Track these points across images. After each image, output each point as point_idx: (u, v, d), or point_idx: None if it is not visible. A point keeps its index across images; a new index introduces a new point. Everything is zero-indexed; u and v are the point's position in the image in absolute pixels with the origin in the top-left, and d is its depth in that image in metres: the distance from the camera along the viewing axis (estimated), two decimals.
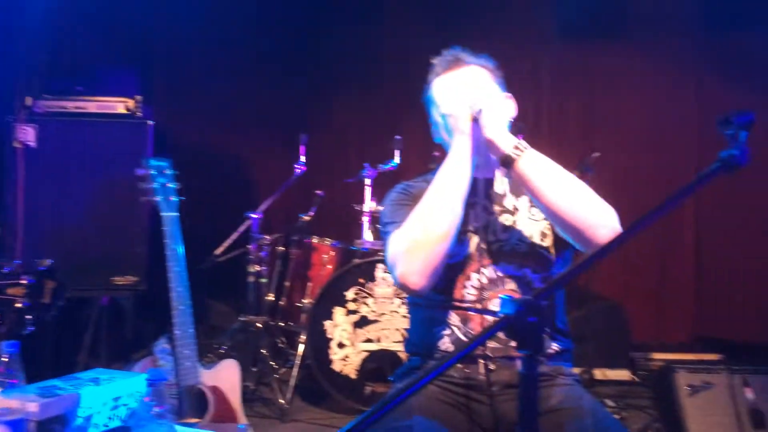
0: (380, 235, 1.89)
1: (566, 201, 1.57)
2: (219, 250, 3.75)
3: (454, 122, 1.65)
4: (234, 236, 3.77)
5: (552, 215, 1.63)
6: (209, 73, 4.95)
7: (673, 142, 4.88)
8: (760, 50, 4.71)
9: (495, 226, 1.77)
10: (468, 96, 1.65)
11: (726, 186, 4.79)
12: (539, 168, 1.59)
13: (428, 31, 4.56)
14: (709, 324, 4.85)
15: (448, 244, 1.62)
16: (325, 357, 3.44)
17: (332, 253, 3.83)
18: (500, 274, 1.73)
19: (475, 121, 1.62)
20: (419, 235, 1.61)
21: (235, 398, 2.38)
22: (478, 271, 1.72)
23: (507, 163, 1.60)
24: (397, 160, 3.78)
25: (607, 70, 4.98)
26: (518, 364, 1.64)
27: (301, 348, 3.65)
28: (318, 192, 4.04)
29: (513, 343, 1.52)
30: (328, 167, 4.75)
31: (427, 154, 3.65)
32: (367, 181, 3.80)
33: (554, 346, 1.75)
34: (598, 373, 4.09)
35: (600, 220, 1.57)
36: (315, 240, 3.88)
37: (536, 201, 1.63)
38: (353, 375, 3.43)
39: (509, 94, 1.85)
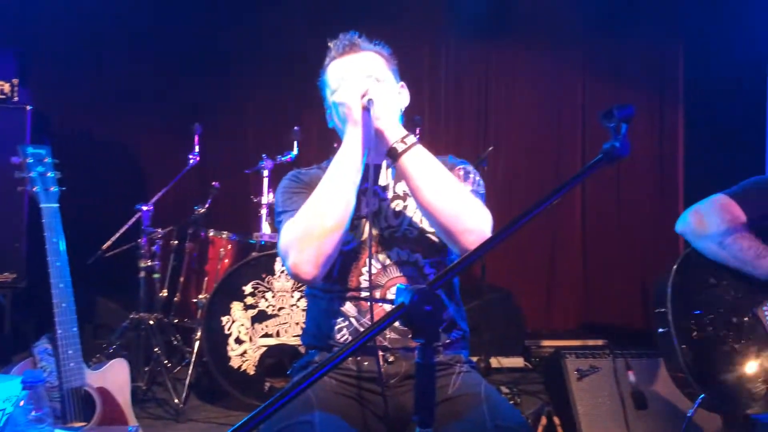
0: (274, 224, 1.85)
1: (440, 203, 1.59)
2: (107, 245, 3.56)
3: (347, 111, 1.63)
4: (123, 230, 3.59)
5: (425, 213, 1.66)
6: (98, 62, 4.71)
7: (562, 136, 5.11)
8: (636, 54, 5.04)
9: (387, 211, 1.78)
10: (360, 85, 1.64)
11: (609, 181, 5.10)
12: (421, 165, 1.61)
13: (326, 22, 4.53)
14: (595, 312, 5.12)
15: (340, 234, 1.61)
16: (223, 353, 3.34)
17: (229, 247, 3.73)
18: (393, 260, 1.74)
19: (367, 110, 1.61)
20: (311, 225, 1.60)
21: (124, 399, 2.27)
22: (371, 257, 1.72)
23: (392, 155, 1.62)
24: (295, 151, 3.73)
25: (502, 68, 5.14)
26: (416, 354, 1.67)
27: (196, 345, 3.53)
28: (214, 183, 3.92)
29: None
30: (224, 158, 4.63)
31: (326, 145, 3.64)
32: (265, 173, 3.72)
33: (453, 334, 1.77)
34: (494, 361, 4.21)
35: (469, 226, 1.59)
36: (211, 233, 3.77)
37: (413, 196, 1.65)
38: (251, 371, 3.36)
39: (403, 83, 1.85)
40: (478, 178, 1.83)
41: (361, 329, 1.70)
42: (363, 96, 1.62)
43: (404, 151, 1.60)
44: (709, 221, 2.10)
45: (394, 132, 1.62)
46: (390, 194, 1.81)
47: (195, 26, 4.80)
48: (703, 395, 2.03)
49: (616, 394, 2.97)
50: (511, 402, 3.53)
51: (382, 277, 1.73)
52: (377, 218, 1.77)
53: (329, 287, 1.75)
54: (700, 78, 4.96)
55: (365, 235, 1.73)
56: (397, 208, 1.79)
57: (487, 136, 4.99)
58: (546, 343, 4.57)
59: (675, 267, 2.15)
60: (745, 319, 2.07)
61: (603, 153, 1.17)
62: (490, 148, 4.18)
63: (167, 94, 4.75)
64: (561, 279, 5.18)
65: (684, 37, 5.06)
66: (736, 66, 4.68)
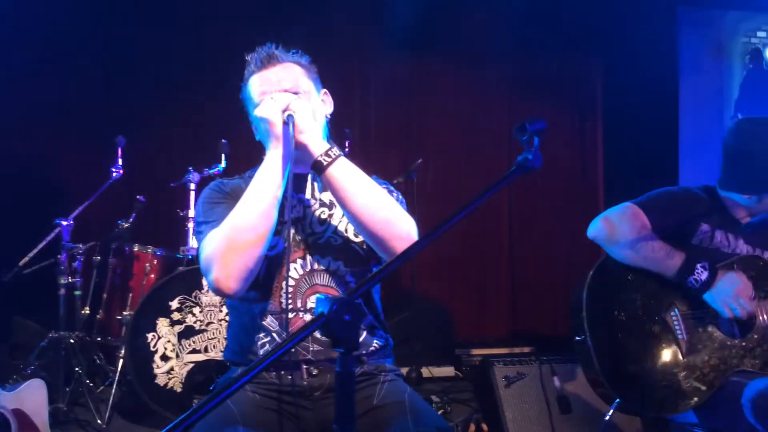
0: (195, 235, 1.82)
1: (367, 212, 1.62)
2: (24, 261, 3.41)
3: (268, 128, 1.63)
4: (41, 245, 3.45)
5: (354, 223, 1.68)
6: (18, 71, 4.52)
7: (488, 148, 5.23)
8: (557, 70, 5.24)
9: (311, 218, 1.78)
10: (280, 101, 1.64)
11: (535, 192, 5.25)
12: (346, 177, 1.62)
13: (254, 33, 4.49)
14: (523, 320, 5.25)
15: (262, 247, 1.61)
16: (148, 371, 3.25)
17: (155, 262, 3.64)
18: (315, 267, 1.74)
19: (287, 125, 1.62)
20: (234, 239, 1.59)
21: (41, 421, 2.19)
22: (294, 264, 1.73)
23: (317, 168, 1.63)
24: (223, 164, 3.69)
25: (430, 82, 5.23)
26: (336, 363, 1.67)
27: (120, 363, 3.43)
28: (139, 197, 3.82)
29: None
30: (150, 171, 4.52)
31: (255, 158, 3.60)
32: (192, 186, 3.66)
33: (375, 344, 1.78)
34: (426, 371, 4.25)
35: (398, 232, 1.62)
36: (136, 248, 3.67)
37: (341, 206, 1.67)
38: (179, 388, 3.28)
39: (326, 91, 1.86)
40: (401, 197, 1.85)
41: (279, 338, 1.69)
42: (284, 111, 1.63)
43: (329, 164, 1.61)
44: (619, 228, 2.19)
45: (318, 145, 1.63)
46: (315, 202, 1.81)
47: (119, 36, 4.69)
48: (618, 399, 2.11)
49: (542, 399, 3.06)
50: (441, 411, 3.58)
51: (303, 285, 1.73)
52: (301, 225, 1.77)
53: (250, 299, 1.73)
54: (618, 93, 5.18)
55: (288, 240, 1.72)
56: (322, 216, 1.79)
57: (415, 149, 5.06)
58: (476, 351, 4.64)
59: (590, 274, 2.23)
60: (656, 324, 2.17)
61: (516, 165, 1.22)
62: (419, 161, 4.25)
63: (90, 105, 4.61)
64: (490, 288, 5.28)
65: (602, 55, 5.29)
66: (651, 81, 4.92)
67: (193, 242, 3.64)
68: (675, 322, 2.16)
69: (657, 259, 2.14)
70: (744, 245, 2.26)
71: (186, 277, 3.34)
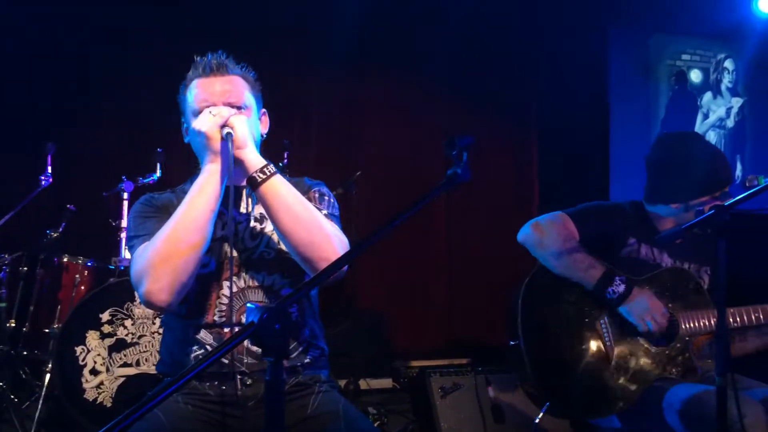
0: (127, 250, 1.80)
1: (297, 232, 1.61)
2: None
3: (206, 142, 1.62)
4: None
5: (283, 240, 1.68)
6: None
7: (427, 161, 5.30)
8: (495, 87, 5.38)
9: (243, 234, 1.77)
10: (220, 115, 1.64)
11: (472, 204, 5.35)
12: (279, 195, 1.62)
13: (191, 42, 4.45)
14: (461, 331, 5.31)
15: (196, 261, 1.61)
16: (77, 386, 3.15)
17: (85, 273, 3.55)
18: (250, 283, 1.74)
19: (225, 141, 1.61)
20: (167, 251, 1.58)
21: None
22: (228, 280, 1.71)
23: (252, 184, 1.64)
24: (158, 173, 3.62)
25: (372, 94, 5.27)
26: (266, 372, 1.67)
27: (47, 378, 3.31)
28: (69, 206, 3.71)
29: None
30: (81, 180, 4.39)
31: (192, 167, 3.55)
32: (125, 195, 3.59)
33: (311, 354, 1.78)
34: (363, 383, 4.25)
35: (325, 254, 1.61)
36: (65, 258, 3.57)
37: (272, 223, 1.67)
38: (109, 403, 3.19)
39: (264, 111, 1.87)
40: (332, 200, 1.86)
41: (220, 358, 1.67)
42: (223, 127, 1.62)
43: (263, 181, 1.62)
44: (548, 234, 2.27)
45: (254, 161, 1.64)
46: (247, 216, 1.80)
47: (48, 41, 4.55)
48: (548, 403, 2.18)
49: (476, 408, 3.11)
50: (378, 423, 3.59)
51: (238, 302, 1.72)
52: (234, 240, 1.76)
53: (184, 314, 1.71)
54: (553, 109, 5.34)
55: (221, 257, 1.72)
56: (255, 231, 1.79)
57: (354, 162, 5.09)
58: (414, 363, 4.67)
59: (526, 281, 2.30)
60: (586, 331, 2.25)
61: (446, 179, 1.26)
62: (358, 173, 4.28)
63: (18, 111, 4.45)
64: (428, 300, 5.33)
65: (538, 72, 5.44)
66: (583, 99, 5.10)
67: (126, 253, 3.56)
68: (604, 330, 2.23)
69: (578, 270, 2.22)
70: (668, 258, 2.37)
71: (118, 288, 3.26)
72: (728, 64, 5.61)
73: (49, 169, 3.56)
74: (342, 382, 4.13)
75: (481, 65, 5.32)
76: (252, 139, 1.67)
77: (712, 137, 5.52)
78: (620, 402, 2.16)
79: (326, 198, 1.85)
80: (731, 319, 2.24)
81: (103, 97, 4.64)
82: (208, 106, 1.70)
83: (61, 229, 3.68)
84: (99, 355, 3.20)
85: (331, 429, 1.62)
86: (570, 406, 2.18)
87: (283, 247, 1.76)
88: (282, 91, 4.94)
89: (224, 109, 1.67)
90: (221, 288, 1.71)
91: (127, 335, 3.24)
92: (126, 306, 3.25)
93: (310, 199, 1.79)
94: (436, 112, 5.38)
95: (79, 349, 3.17)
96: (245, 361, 1.67)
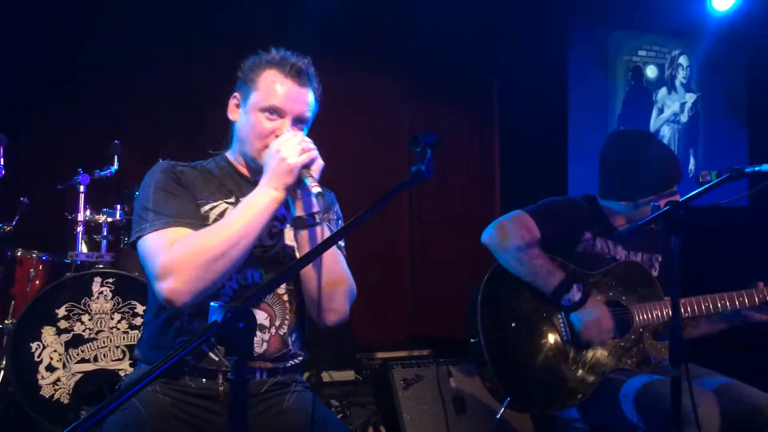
0: (132, 216, 1.72)
1: (318, 282, 1.64)
2: None
3: (282, 168, 1.58)
4: None
5: (303, 279, 1.70)
6: None
7: (390, 157, 5.31)
8: (457, 83, 5.40)
9: (263, 230, 1.71)
10: (308, 154, 1.61)
11: (435, 199, 5.38)
12: (315, 243, 1.63)
13: (155, 31, 4.38)
14: (423, 323, 5.35)
15: (227, 276, 1.60)
16: (32, 382, 3.09)
17: (40, 267, 3.48)
18: (255, 279, 1.72)
19: (302, 183, 1.59)
20: (207, 263, 1.53)
21: None
22: (236, 274, 1.68)
23: (297, 224, 1.65)
24: (116, 165, 3.55)
25: (336, 86, 5.21)
26: (257, 375, 1.70)
27: (1, 374, 3.24)
28: (22, 199, 3.62)
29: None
30: (35, 172, 4.28)
31: (149, 160, 3.49)
32: (81, 188, 3.51)
33: (298, 359, 1.82)
34: (326, 376, 4.25)
35: (335, 306, 1.70)
36: (19, 252, 3.49)
37: (299, 262, 1.66)
38: (66, 400, 3.14)
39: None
40: (341, 222, 1.92)
41: (206, 349, 1.65)
42: (303, 166, 1.59)
43: (308, 226, 1.64)
44: (510, 235, 2.30)
45: (308, 204, 1.65)
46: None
47: (1, 29, 4.41)
48: (509, 398, 2.21)
49: (438, 399, 3.15)
50: (341, 415, 3.60)
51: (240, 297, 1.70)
52: None
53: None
54: (514, 104, 5.39)
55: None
56: (274, 230, 1.77)
57: (319, 152, 5.06)
58: (377, 355, 4.68)
59: (485, 278, 2.33)
60: (544, 326, 2.29)
61: (410, 175, 1.27)
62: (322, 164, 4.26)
63: None
64: (390, 293, 5.34)
65: (498, 67, 5.49)
66: (542, 94, 5.17)
67: (83, 247, 3.49)
68: (561, 324, 2.28)
69: (538, 276, 2.26)
70: (622, 251, 2.43)
71: (74, 283, 3.19)
72: (683, 60, 5.74)
73: (1, 160, 3.47)
74: (305, 375, 4.12)
75: (444, 58, 5.34)
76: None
77: (666, 132, 5.66)
78: (578, 394, 2.22)
79: (340, 222, 1.91)
80: (683, 310, 2.31)
81: (57, 86, 4.52)
82: (279, 110, 1.69)
83: (14, 223, 3.59)
84: (55, 351, 3.14)
85: (303, 426, 1.66)
86: (530, 400, 2.22)
87: (297, 254, 1.75)
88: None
89: (310, 142, 1.65)
90: (229, 280, 1.68)
91: (84, 331, 3.18)
92: (83, 301, 3.18)
93: (329, 220, 1.83)
94: (399, 104, 5.39)
95: (34, 345, 3.11)
96: (227, 360, 1.67)
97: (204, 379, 1.66)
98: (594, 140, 5.24)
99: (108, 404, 0.95)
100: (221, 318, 1.05)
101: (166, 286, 1.53)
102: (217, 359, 1.64)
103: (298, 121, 1.73)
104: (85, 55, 4.49)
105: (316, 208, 1.64)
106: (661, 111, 5.68)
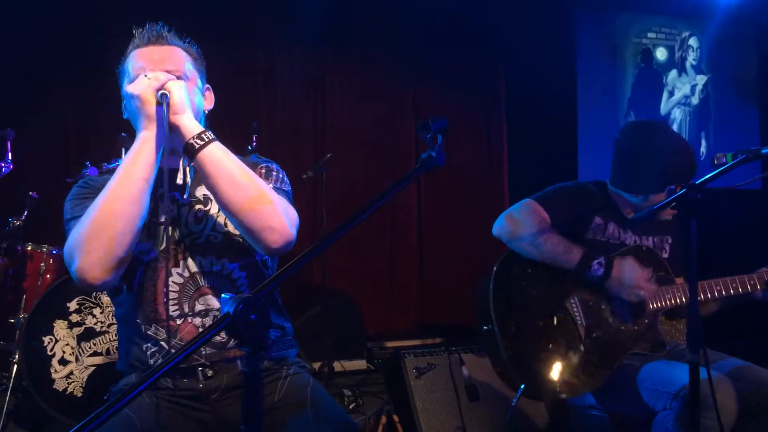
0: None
1: (239, 201, 1.53)
2: None
3: (140, 105, 1.52)
4: None
5: (225, 213, 1.60)
6: None
7: (396, 144, 5.29)
8: (462, 68, 5.38)
9: (187, 217, 1.69)
10: (156, 79, 1.55)
11: (443, 187, 5.35)
12: (219, 162, 1.53)
13: (153, 20, 4.35)
14: (433, 312, 5.34)
15: (132, 235, 1.51)
16: (45, 376, 3.11)
17: (51, 261, 3.47)
18: (197, 269, 1.66)
19: (161, 105, 1.52)
20: (100, 225, 1.48)
21: None
22: (175, 267, 1.64)
23: (189, 151, 1.54)
24: (123, 158, 3.53)
25: (338, 77, 5.22)
26: (238, 364, 1.63)
27: (14, 369, 3.24)
28: (31, 193, 3.61)
29: (230, 344, 1.50)
30: (44, 166, 4.29)
31: None
32: None
33: (273, 334, 1.73)
34: (338, 365, 4.25)
35: (270, 223, 1.53)
36: (29, 247, 3.48)
37: (212, 195, 1.59)
38: (79, 393, 3.15)
39: (209, 86, 1.79)
40: (281, 175, 1.78)
41: (173, 351, 1.60)
42: (158, 90, 1.53)
43: (200, 147, 1.52)
44: (521, 224, 2.28)
45: (191, 127, 1.54)
46: (190, 199, 1.71)
47: (7, 23, 4.40)
48: (523, 385, 2.20)
49: (451, 388, 3.13)
50: (353, 405, 3.59)
51: (189, 288, 1.66)
52: (177, 225, 1.67)
53: (131, 308, 1.66)
54: (521, 91, 5.35)
55: (164, 243, 1.65)
56: (199, 214, 1.70)
57: (324, 144, 5.05)
58: (388, 344, 4.68)
59: (496, 266, 2.31)
60: (557, 311, 2.27)
61: (420, 162, 1.24)
62: (328, 155, 4.24)
63: None
64: (400, 282, 5.34)
65: (505, 54, 5.44)
66: (551, 80, 5.12)
67: None
68: (575, 309, 2.26)
69: (556, 255, 2.24)
70: (632, 235, 2.41)
71: None
72: (693, 41, 5.68)
73: (10, 155, 3.46)
74: (316, 365, 4.12)
75: (448, 45, 5.30)
76: (191, 106, 1.58)
77: (677, 115, 5.60)
78: (593, 379, 2.20)
79: (274, 173, 1.76)
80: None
81: (64, 80, 4.52)
82: (141, 72, 1.61)
83: (23, 217, 3.59)
84: (68, 344, 3.14)
85: (299, 417, 1.58)
86: (545, 387, 2.20)
87: (230, 228, 1.69)
88: (248, 74, 4.87)
89: (161, 73, 1.57)
90: (170, 275, 1.64)
91: (95, 324, 3.19)
92: (94, 294, 3.19)
93: (258, 176, 1.69)
94: (403, 93, 5.36)
95: (46, 339, 3.12)
96: (204, 352, 1.63)
97: (184, 379, 1.63)
98: (604, 124, 5.20)
99: (99, 416, 0.93)
100: (233, 310, 1.04)
101: (73, 269, 1.50)
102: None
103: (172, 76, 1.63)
104: (92, 47, 4.48)
105: (198, 129, 1.54)
106: (671, 93, 5.62)
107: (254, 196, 1.54)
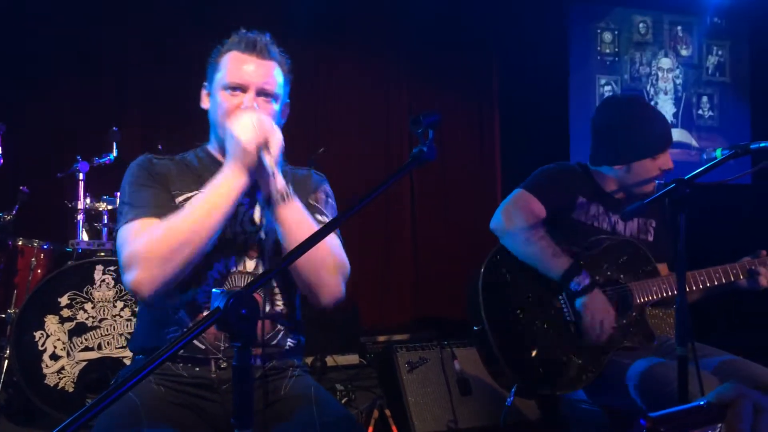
0: (115, 213, 1.72)
1: (304, 261, 1.56)
2: None
3: (241, 152, 1.56)
4: None
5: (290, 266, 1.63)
6: None
7: (390, 139, 5.29)
8: (455, 62, 5.38)
9: (242, 217, 1.71)
10: (262, 130, 1.57)
11: (437, 180, 5.36)
12: (296, 218, 1.60)
13: (151, 16, 4.34)
14: (427, 306, 5.36)
15: (195, 264, 1.56)
16: (37, 371, 3.09)
17: (42, 256, 3.46)
18: (239, 268, 1.68)
19: (261, 161, 1.56)
20: (171, 251, 1.51)
21: None
22: (219, 262, 1.66)
23: (273, 203, 1.59)
24: (114, 153, 3.53)
25: (332, 72, 5.21)
26: (234, 357, 1.65)
27: (5, 364, 3.25)
28: (22, 188, 3.60)
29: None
30: (34, 161, 4.27)
31: (147, 147, 3.48)
32: (81, 176, 3.49)
33: (289, 343, 1.77)
34: (330, 360, 4.26)
35: (327, 281, 1.63)
36: (20, 242, 3.47)
37: (281, 242, 1.64)
38: (71, 388, 3.14)
39: (288, 102, 1.81)
40: (332, 201, 1.85)
41: (195, 340, 1.63)
42: (260, 144, 1.56)
43: (285, 202, 1.59)
44: (515, 218, 2.28)
45: (279, 182, 1.60)
46: (249, 198, 1.73)
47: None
48: (516, 384, 2.20)
49: (443, 382, 3.14)
50: (346, 399, 3.60)
51: (226, 286, 1.68)
52: (232, 222, 1.68)
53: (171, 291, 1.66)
54: (514, 83, 5.36)
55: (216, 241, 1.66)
56: (255, 215, 1.73)
57: (318, 138, 5.04)
58: (381, 338, 4.70)
59: (484, 264, 2.29)
60: (547, 308, 2.27)
61: (412, 157, 1.25)
62: (322, 149, 4.24)
63: None
64: (393, 276, 5.35)
65: (498, 47, 5.45)
66: (543, 72, 5.13)
67: (84, 235, 3.48)
68: (564, 306, 2.27)
69: (544, 257, 2.23)
70: (613, 215, 2.41)
71: (76, 271, 3.18)
72: (684, 34, 5.70)
73: (0, 149, 3.45)
74: (309, 359, 4.13)
75: (441, 39, 5.30)
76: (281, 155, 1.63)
77: (667, 107, 5.62)
78: (584, 375, 2.20)
79: (330, 201, 1.83)
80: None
81: (54, 74, 4.49)
82: (240, 85, 1.66)
83: (14, 212, 3.58)
84: (59, 339, 3.13)
85: (304, 411, 1.61)
86: (538, 384, 2.21)
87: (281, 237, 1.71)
88: None
89: (266, 117, 1.60)
90: (210, 269, 1.66)
91: (87, 319, 3.18)
92: (85, 289, 3.18)
93: (317, 201, 1.79)
94: (397, 87, 5.36)
95: (37, 334, 3.11)
96: (221, 347, 1.64)
97: (197, 368, 1.64)
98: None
99: (104, 398, 0.94)
100: (224, 304, 1.04)
101: (129, 278, 1.53)
102: (203, 347, 1.62)
103: (263, 94, 1.69)
104: (82, 41, 4.47)
105: (279, 186, 1.59)
106: (665, 91, 5.65)
107: (317, 259, 1.60)
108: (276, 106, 1.71)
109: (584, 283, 2.19)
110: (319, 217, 1.75)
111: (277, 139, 1.59)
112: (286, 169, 1.80)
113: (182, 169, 1.74)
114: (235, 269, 1.68)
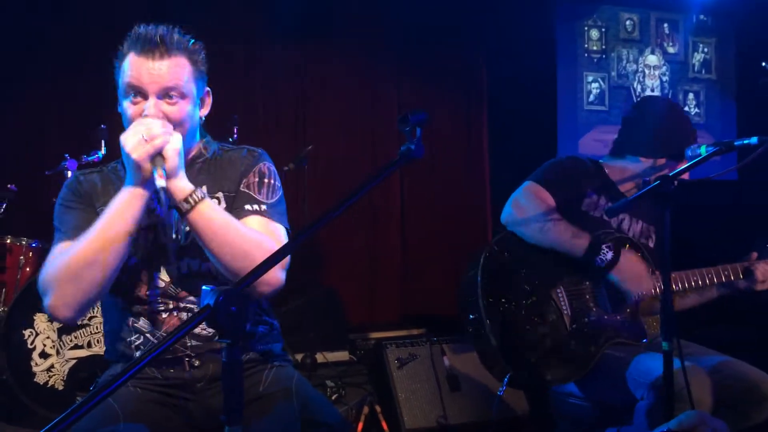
0: None
1: (229, 260, 1.54)
2: None
3: (134, 167, 1.50)
4: None
5: (216, 264, 1.59)
6: None
7: (378, 136, 5.29)
8: (444, 59, 5.38)
9: (170, 220, 1.68)
10: (152, 143, 1.48)
11: (425, 177, 5.37)
12: (207, 222, 1.53)
13: (132, 11, 4.31)
14: (416, 303, 5.37)
15: (107, 282, 1.53)
16: (25, 369, 3.10)
17: (30, 254, 3.46)
18: (183, 271, 1.67)
19: (155, 170, 1.49)
20: (78, 272, 1.50)
21: None
22: (159, 270, 1.65)
23: (179, 211, 1.55)
24: (103, 150, 3.52)
25: (320, 69, 5.21)
26: (223, 354, 1.66)
27: None
28: (10, 186, 3.59)
29: (217, 337, 1.52)
30: (22, 159, 4.24)
31: None
32: (69, 174, 3.48)
33: (262, 329, 1.76)
34: (320, 357, 4.27)
35: (262, 278, 1.50)
36: (8, 240, 3.47)
37: (203, 247, 1.58)
38: (60, 386, 3.14)
39: (208, 90, 1.75)
40: (273, 180, 1.74)
41: (156, 342, 1.64)
42: (153, 155, 1.49)
43: (188, 210, 1.53)
44: (527, 208, 2.28)
45: (181, 190, 1.53)
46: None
47: None
48: (509, 374, 2.21)
49: (433, 378, 3.16)
50: (336, 395, 3.61)
51: (176, 290, 1.67)
52: (163, 229, 1.67)
53: (119, 301, 1.67)
54: (502, 81, 5.37)
55: (148, 246, 1.66)
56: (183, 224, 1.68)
57: (305, 136, 5.04)
58: (371, 335, 4.70)
59: (483, 255, 2.30)
60: (544, 301, 2.29)
61: (400, 155, 1.26)
62: (309, 147, 4.23)
63: None
64: (382, 273, 5.36)
65: (486, 45, 5.46)
66: (531, 70, 5.15)
67: None
68: (560, 298, 2.28)
69: (564, 240, 2.24)
70: (629, 219, 2.43)
71: None
72: (670, 32, 5.74)
73: None
74: (299, 356, 4.13)
75: (430, 37, 5.30)
76: (184, 158, 1.56)
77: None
78: (578, 368, 2.22)
79: (266, 182, 1.72)
80: (673, 285, 2.31)
81: (41, 71, 4.46)
82: (137, 89, 1.57)
83: (2, 210, 3.56)
84: (48, 337, 3.13)
85: (284, 408, 1.60)
86: (531, 376, 2.22)
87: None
88: (229, 65, 4.84)
89: (155, 125, 1.50)
90: (152, 279, 1.65)
91: None
92: None
93: (248, 186, 1.69)
94: (386, 85, 5.36)
95: (27, 333, 3.11)
96: (189, 344, 1.64)
97: (171, 369, 1.65)
98: (583, 117, 5.25)
99: (82, 406, 0.94)
100: (213, 302, 1.05)
101: (45, 302, 1.53)
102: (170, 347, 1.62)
103: (167, 96, 1.58)
104: (68, 37, 4.44)
105: (179, 194, 1.52)
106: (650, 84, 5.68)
107: (244, 255, 1.53)
108: (186, 104, 1.61)
109: (607, 258, 2.20)
110: (248, 207, 1.67)
111: (172, 145, 1.51)
112: (217, 152, 1.75)
113: (108, 181, 1.71)
114: (178, 273, 1.66)
